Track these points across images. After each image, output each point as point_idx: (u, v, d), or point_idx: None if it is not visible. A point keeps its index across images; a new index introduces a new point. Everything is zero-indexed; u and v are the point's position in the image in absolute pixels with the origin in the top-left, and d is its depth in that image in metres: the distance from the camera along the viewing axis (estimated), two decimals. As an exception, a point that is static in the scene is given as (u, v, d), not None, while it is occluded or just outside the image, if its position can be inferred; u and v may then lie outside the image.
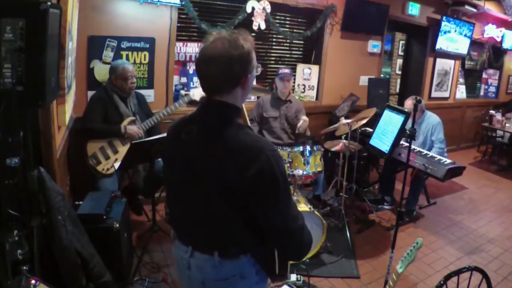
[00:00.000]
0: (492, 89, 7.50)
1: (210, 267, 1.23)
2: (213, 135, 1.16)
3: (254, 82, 1.18)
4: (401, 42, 7.85)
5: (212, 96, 1.19)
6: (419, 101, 2.34)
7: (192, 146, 1.19)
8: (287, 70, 3.64)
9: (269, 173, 1.09)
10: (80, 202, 2.35)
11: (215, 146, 1.14)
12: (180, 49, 3.73)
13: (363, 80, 5.05)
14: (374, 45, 5.02)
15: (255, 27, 3.88)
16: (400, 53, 7.88)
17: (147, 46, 3.40)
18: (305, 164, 2.95)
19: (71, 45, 2.49)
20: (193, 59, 3.83)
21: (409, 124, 3.78)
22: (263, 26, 3.92)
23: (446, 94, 6.38)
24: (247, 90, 1.24)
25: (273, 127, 3.69)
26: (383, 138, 3.06)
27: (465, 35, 5.99)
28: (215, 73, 1.13)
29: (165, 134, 2.61)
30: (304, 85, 4.65)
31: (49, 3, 1.38)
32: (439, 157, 3.34)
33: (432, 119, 3.85)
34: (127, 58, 3.30)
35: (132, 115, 2.99)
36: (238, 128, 1.16)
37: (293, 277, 2.53)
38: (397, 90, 7.05)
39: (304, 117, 3.59)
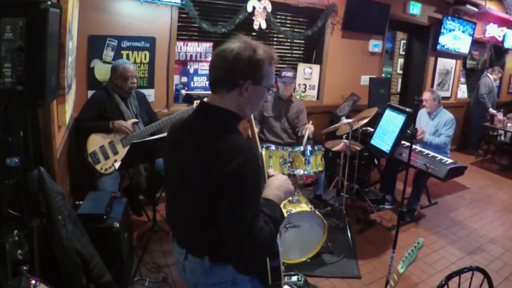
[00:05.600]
0: (494, 88, 7.48)
1: (201, 271, 1.23)
2: (202, 138, 1.16)
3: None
4: (402, 41, 7.83)
5: (212, 92, 1.19)
6: (420, 100, 2.33)
7: (184, 148, 1.20)
8: (290, 74, 3.55)
9: (238, 175, 1.06)
10: (80, 202, 2.34)
11: (203, 149, 1.14)
12: (180, 49, 3.72)
13: (364, 80, 5.04)
14: (375, 45, 5.01)
15: (255, 27, 3.87)
16: (401, 52, 7.86)
17: (148, 45, 3.40)
18: (306, 163, 2.94)
19: (71, 45, 2.48)
20: (193, 58, 3.83)
21: (423, 121, 3.96)
22: (263, 26, 3.91)
23: (448, 94, 6.37)
24: (248, 101, 1.18)
25: (274, 127, 3.68)
26: (384, 137, 3.05)
27: (468, 34, 5.99)
28: (219, 64, 1.14)
29: (165, 134, 2.63)
30: (305, 84, 4.64)
31: (49, 2, 1.37)
32: (440, 156, 3.34)
33: (446, 115, 3.91)
34: (128, 58, 3.30)
35: (133, 116, 2.98)
36: (227, 132, 1.14)
37: (294, 277, 2.53)
38: (398, 90, 7.03)
39: (310, 126, 3.41)
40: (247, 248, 1.07)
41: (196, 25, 3.59)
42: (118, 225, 2.21)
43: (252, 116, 1.38)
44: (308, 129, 3.37)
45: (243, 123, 1.32)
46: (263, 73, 1.16)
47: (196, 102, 3.04)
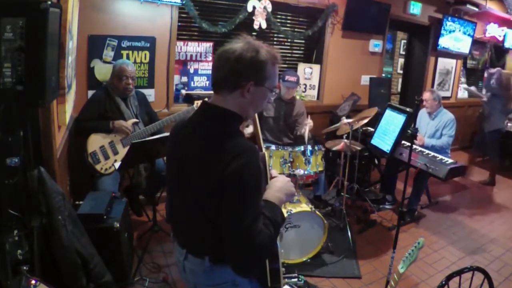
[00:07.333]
0: (494, 88, 7.46)
1: (202, 271, 1.22)
2: (203, 139, 1.16)
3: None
4: (403, 41, 7.83)
5: (214, 92, 1.19)
6: (420, 100, 2.33)
7: (185, 148, 1.20)
8: (293, 79, 3.49)
9: (238, 176, 1.05)
10: (80, 202, 2.34)
11: (204, 150, 1.14)
12: (180, 48, 3.72)
13: (365, 80, 5.04)
14: (375, 45, 5.01)
15: (256, 26, 3.87)
16: (402, 52, 7.85)
17: (148, 45, 3.40)
18: (306, 163, 2.94)
19: (71, 44, 2.48)
20: (193, 58, 3.82)
21: (423, 121, 3.96)
22: (264, 25, 3.91)
23: (448, 94, 6.36)
24: (251, 102, 1.17)
25: (273, 127, 3.67)
26: (384, 137, 3.05)
27: (469, 35, 5.99)
28: (222, 64, 1.13)
29: (165, 134, 2.64)
30: (305, 84, 4.64)
31: (49, 2, 1.37)
32: (440, 156, 3.34)
33: (447, 115, 3.90)
34: (128, 57, 3.30)
35: (133, 116, 2.98)
36: (229, 133, 1.14)
37: (294, 278, 2.52)
38: (399, 90, 7.03)
39: (309, 121, 3.36)
40: (245, 250, 1.07)
41: (196, 25, 3.58)
42: (118, 225, 2.21)
43: (256, 116, 1.36)
44: (308, 124, 3.35)
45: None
46: (266, 74, 1.14)
47: (196, 102, 3.04)
